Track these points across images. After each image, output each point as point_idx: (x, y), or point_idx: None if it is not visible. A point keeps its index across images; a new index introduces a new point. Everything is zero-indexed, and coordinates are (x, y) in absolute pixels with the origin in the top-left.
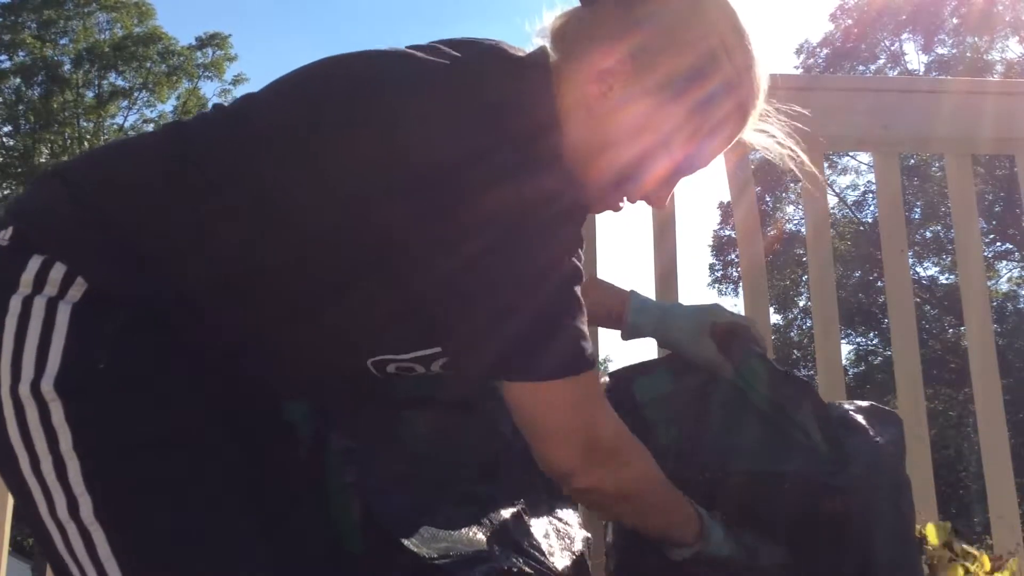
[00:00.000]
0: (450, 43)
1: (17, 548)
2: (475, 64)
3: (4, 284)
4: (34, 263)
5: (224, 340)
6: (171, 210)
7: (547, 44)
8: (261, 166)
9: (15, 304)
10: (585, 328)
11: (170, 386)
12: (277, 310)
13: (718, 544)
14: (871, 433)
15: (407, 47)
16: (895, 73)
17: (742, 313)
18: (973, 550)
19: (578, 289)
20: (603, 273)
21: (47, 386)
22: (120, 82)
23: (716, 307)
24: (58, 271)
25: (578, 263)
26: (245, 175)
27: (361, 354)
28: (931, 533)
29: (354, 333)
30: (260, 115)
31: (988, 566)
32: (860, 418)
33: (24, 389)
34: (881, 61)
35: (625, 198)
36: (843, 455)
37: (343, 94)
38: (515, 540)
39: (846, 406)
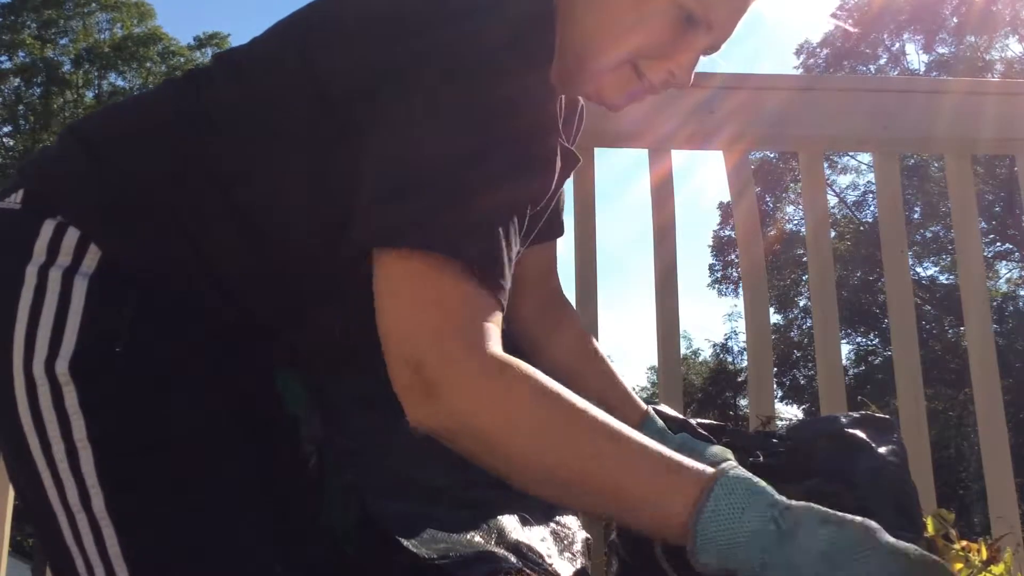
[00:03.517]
0: None
1: (17, 548)
2: None
3: (18, 252)
4: (47, 229)
5: (246, 308)
6: (195, 167)
7: None
8: (285, 149)
9: (31, 275)
10: (503, 234)
11: (188, 378)
12: (295, 285)
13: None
14: (873, 446)
15: None
16: (895, 73)
17: (741, 313)
18: (969, 543)
19: (519, 194)
20: (602, 274)
21: (62, 367)
22: (120, 82)
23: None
24: (71, 237)
25: (538, 175)
26: (266, 158)
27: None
28: (930, 525)
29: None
30: (268, 73)
31: (985, 555)
32: (859, 432)
33: (38, 368)
34: (882, 61)
35: (646, 78)
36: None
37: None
38: (514, 543)
39: (842, 420)
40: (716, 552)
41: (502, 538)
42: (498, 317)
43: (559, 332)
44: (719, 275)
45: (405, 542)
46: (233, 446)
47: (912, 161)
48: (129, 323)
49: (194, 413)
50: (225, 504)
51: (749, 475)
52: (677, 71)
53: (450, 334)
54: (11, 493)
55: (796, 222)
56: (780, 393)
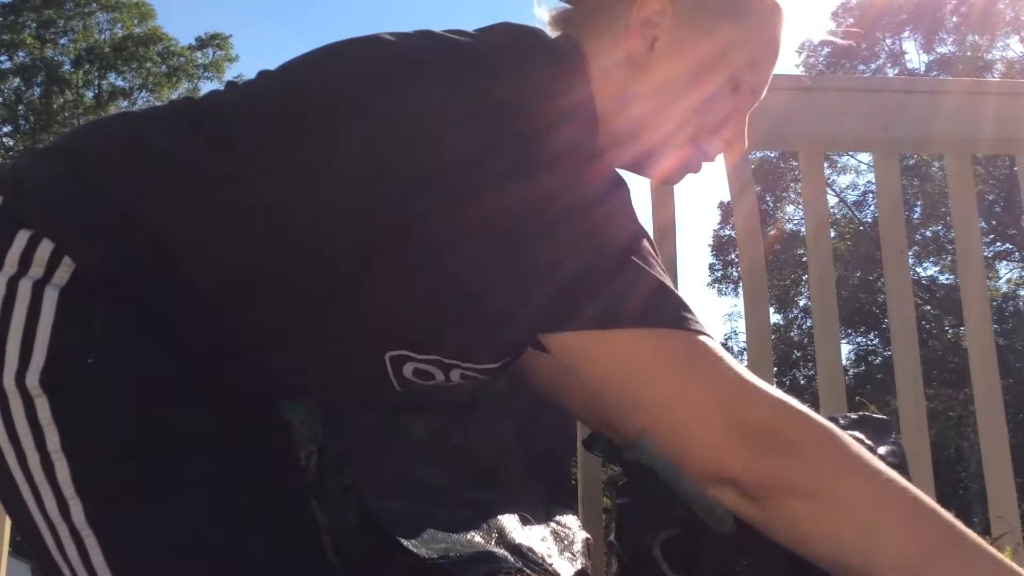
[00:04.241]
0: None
1: (17, 549)
2: (494, 51)
3: None
4: (21, 239)
5: (230, 333)
6: (185, 189)
7: (558, 30)
8: (285, 155)
9: (0, 286)
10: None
11: (164, 384)
12: (298, 299)
13: None
14: (872, 447)
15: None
16: (895, 73)
17: (741, 313)
18: None
19: (656, 258)
20: None
21: (32, 380)
22: (120, 82)
23: None
24: (44, 249)
25: (642, 232)
26: (266, 164)
27: (379, 345)
28: None
29: (374, 320)
30: (284, 101)
31: None
32: (858, 434)
33: (8, 380)
34: (881, 60)
35: (704, 151)
36: None
37: (367, 82)
38: (515, 543)
39: (841, 421)
40: None
41: (502, 538)
42: None
43: None
44: (719, 275)
45: (405, 542)
46: (213, 450)
47: (912, 161)
48: (101, 333)
49: (175, 418)
50: (207, 510)
51: None
52: (733, 139)
53: (761, 398)
54: None
55: (796, 222)
56: None
